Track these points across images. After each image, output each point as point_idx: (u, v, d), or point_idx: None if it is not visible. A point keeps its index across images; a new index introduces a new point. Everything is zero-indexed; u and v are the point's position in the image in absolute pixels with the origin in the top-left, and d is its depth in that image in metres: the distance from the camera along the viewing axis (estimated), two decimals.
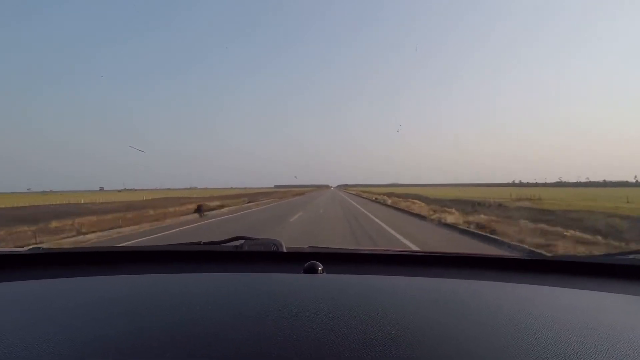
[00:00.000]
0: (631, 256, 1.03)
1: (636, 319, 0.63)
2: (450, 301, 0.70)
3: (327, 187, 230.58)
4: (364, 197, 36.44)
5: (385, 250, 1.38)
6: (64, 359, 0.44)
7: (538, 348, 0.47)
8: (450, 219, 10.72)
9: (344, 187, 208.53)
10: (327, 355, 0.44)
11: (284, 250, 1.09)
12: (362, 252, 1.21)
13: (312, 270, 0.89)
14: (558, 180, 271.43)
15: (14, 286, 0.78)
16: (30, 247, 1.22)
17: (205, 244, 1.18)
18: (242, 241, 1.11)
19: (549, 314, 0.62)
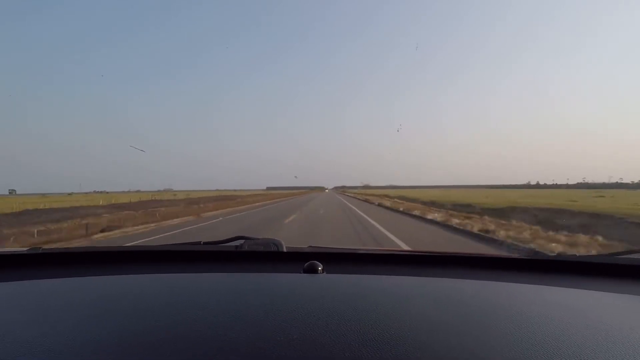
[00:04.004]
0: (631, 256, 1.06)
1: (636, 319, 0.65)
2: (450, 301, 0.72)
3: (321, 189, 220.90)
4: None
5: (385, 250, 1.43)
6: (63, 359, 0.45)
7: (538, 347, 0.48)
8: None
9: (342, 190, 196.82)
10: (328, 355, 0.46)
11: (284, 250, 1.12)
12: (362, 252, 1.23)
13: (312, 270, 0.92)
14: (581, 181, 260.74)
15: (14, 286, 0.81)
16: (30, 247, 1.24)
17: (205, 243, 1.22)
18: (242, 241, 1.15)
19: (549, 313, 0.64)
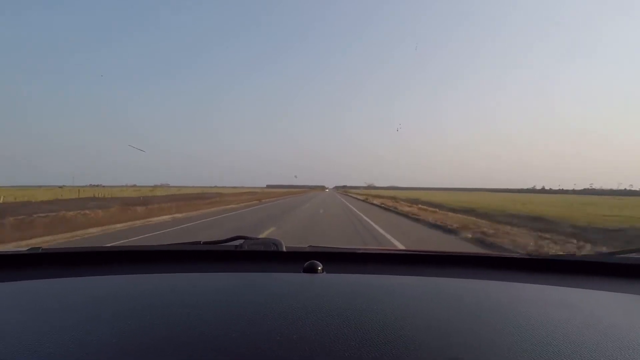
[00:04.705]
0: (631, 255, 1.06)
1: (636, 318, 0.65)
2: (450, 300, 0.73)
3: (322, 188, 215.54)
4: None
5: (385, 249, 1.45)
6: (64, 359, 0.45)
7: (538, 347, 0.48)
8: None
9: (343, 190, 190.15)
10: (327, 355, 0.46)
11: (284, 249, 1.12)
12: (362, 251, 1.23)
13: (312, 269, 0.92)
14: (588, 186, 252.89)
15: (14, 286, 0.81)
16: (30, 247, 1.25)
17: (205, 243, 1.23)
18: (241, 240, 1.16)
19: (549, 312, 0.64)
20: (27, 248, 1.16)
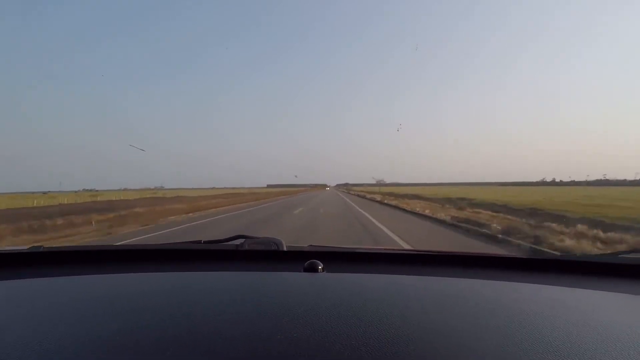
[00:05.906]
0: (631, 255, 1.06)
1: (636, 318, 0.65)
2: (451, 300, 0.73)
3: (323, 186, 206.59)
4: None
5: (385, 249, 1.45)
6: (63, 358, 0.45)
7: (538, 347, 0.48)
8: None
9: (345, 187, 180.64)
10: (328, 354, 0.46)
11: (284, 249, 1.13)
12: (362, 251, 1.24)
13: (313, 269, 0.92)
14: (602, 177, 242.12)
15: (15, 284, 0.81)
16: (31, 245, 1.25)
17: (205, 242, 1.23)
18: (242, 240, 1.16)
19: (549, 313, 0.64)
20: (28, 246, 1.15)
